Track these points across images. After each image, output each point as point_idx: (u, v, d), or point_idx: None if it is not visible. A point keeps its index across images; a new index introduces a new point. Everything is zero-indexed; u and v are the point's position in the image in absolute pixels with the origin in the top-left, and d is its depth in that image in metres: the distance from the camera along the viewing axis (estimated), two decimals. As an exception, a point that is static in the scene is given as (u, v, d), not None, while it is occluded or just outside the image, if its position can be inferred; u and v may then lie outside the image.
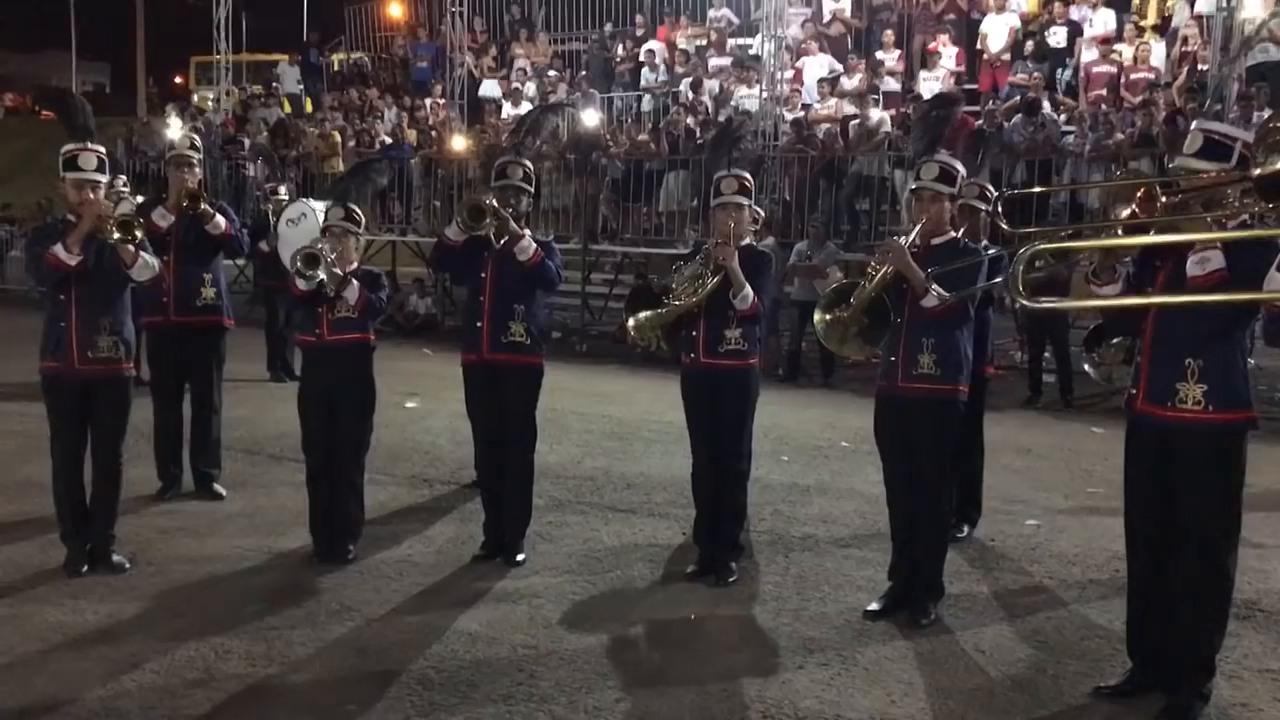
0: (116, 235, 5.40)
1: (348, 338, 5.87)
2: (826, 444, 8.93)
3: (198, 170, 7.08)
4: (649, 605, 5.46)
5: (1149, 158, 11.88)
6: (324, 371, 5.89)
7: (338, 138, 16.94)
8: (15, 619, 5.06)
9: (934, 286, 5.06)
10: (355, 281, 5.82)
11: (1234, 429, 4.21)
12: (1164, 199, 4.14)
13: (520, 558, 5.94)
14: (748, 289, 5.51)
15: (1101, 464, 8.28)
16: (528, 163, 6.10)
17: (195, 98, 24.85)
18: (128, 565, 5.73)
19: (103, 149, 5.70)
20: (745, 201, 5.68)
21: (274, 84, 20.77)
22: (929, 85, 14.44)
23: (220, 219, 6.91)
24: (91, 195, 5.50)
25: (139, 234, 5.45)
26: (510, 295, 5.84)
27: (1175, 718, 4.29)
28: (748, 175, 5.78)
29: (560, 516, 6.83)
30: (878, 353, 5.39)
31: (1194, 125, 4.35)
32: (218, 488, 7.06)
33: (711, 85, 16.07)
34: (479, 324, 5.86)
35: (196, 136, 7.67)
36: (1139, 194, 4.19)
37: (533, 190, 6.16)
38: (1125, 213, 4.26)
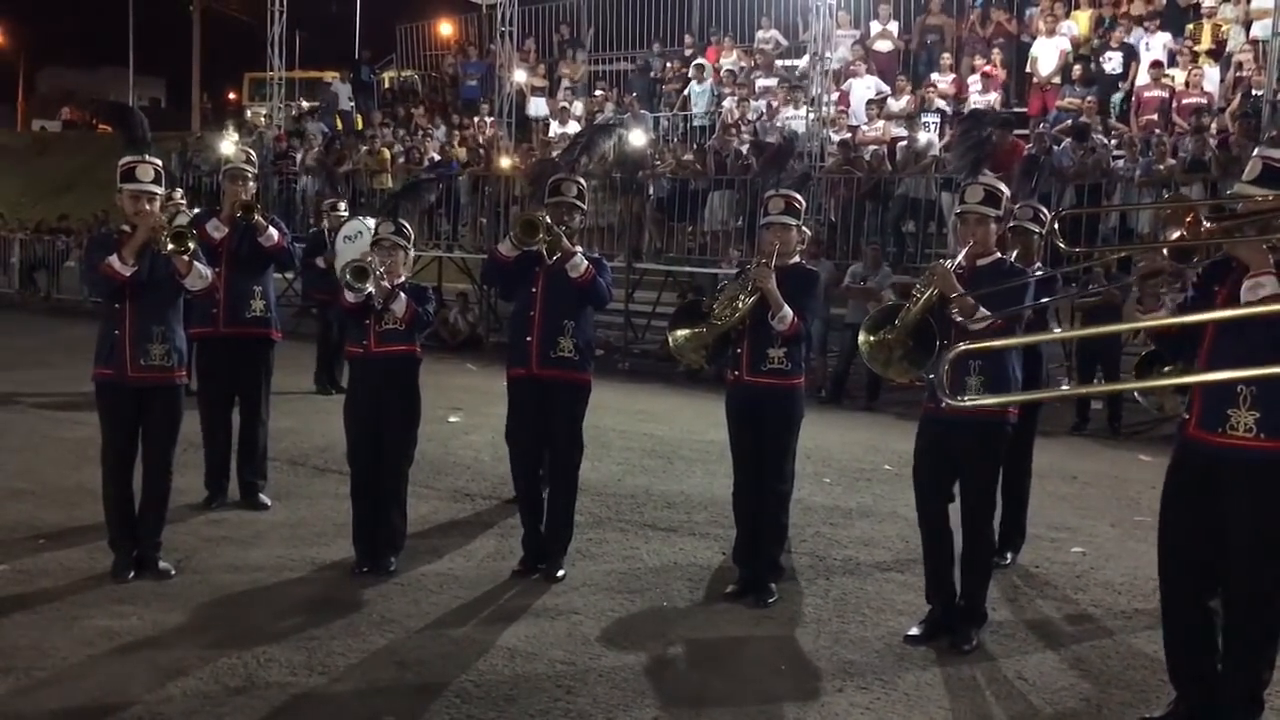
0: (170, 246, 5.48)
1: (395, 349, 5.90)
2: (870, 467, 8.87)
3: (252, 184, 7.20)
4: (688, 625, 5.45)
5: (1200, 183, 11.74)
6: (370, 383, 5.95)
7: (387, 154, 17.12)
8: (62, 623, 5.14)
9: (982, 308, 4.95)
10: (403, 294, 5.87)
11: None
12: (1210, 224, 4.09)
13: (561, 573, 5.95)
14: (786, 310, 5.47)
15: (1149, 492, 8.12)
16: (581, 180, 6.15)
17: (249, 113, 25.25)
18: (173, 572, 5.80)
19: (159, 161, 5.81)
20: (792, 221, 5.65)
21: (327, 101, 21.04)
22: (980, 106, 14.40)
23: (273, 231, 7.00)
24: (147, 207, 5.60)
25: (192, 245, 5.54)
26: (560, 311, 5.85)
27: None
28: (797, 195, 5.77)
29: (600, 534, 6.84)
30: (923, 376, 5.36)
31: (1255, 153, 4.30)
32: (263, 498, 7.13)
33: (758, 106, 16.09)
34: (528, 339, 5.86)
35: (251, 151, 7.80)
36: (1188, 218, 4.14)
37: (585, 208, 6.20)
38: (1175, 235, 4.21)
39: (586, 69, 19.60)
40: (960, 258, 5.17)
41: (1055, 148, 12.83)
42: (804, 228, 5.95)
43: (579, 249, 5.90)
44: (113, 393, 5.68)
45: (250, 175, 7.15)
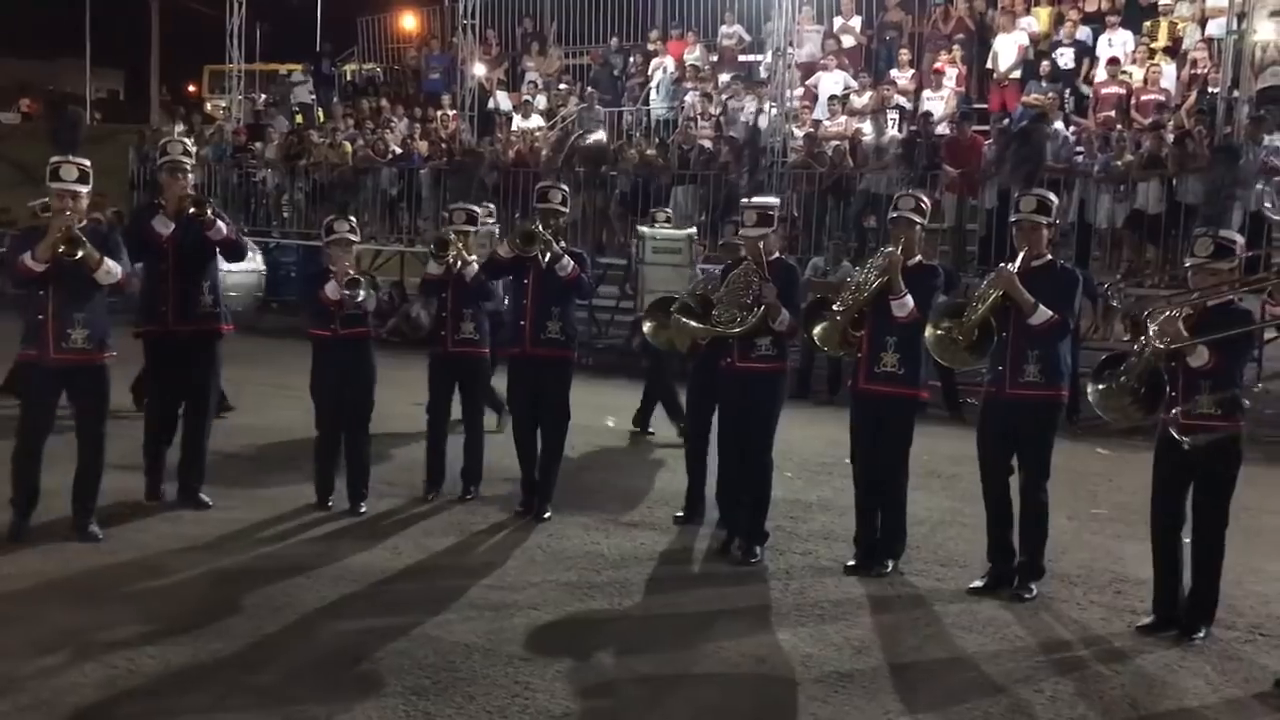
0: (62, 248, 5.82)
1: (358, 332, 6.96)
2: (831, 460, 8.88)
3: (191, 177, 7.08)
4: (647, 618, 5.45)
5: (1158, 179, 11.86)
6: (337, 360, 6.97)
7: (348, 148, 16.96)
8: (13, 623, 5.07)
9: (1041, 306, 5.57)
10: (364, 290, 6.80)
11: None
12: None
13: (547, 515, 6.96)
14: (785, 314, 6.18)
15: (1106, 485, 8.25)
16: (564, 187, 7.36)
17: (208, 106, 24.93)
18: (100, 536, 6.22)
19: (85, 161, 6.11)
20: (768, 230, 6.29)
21: (283, 95, 20.84)
22: (934, 105, 14.47)
23: (221, 224, 6.84)
24: (70, 204, 5.96)
25: (81, 252, 5.86)
26: (549, 300, 6.87)
27: None
28: (769, 202, 6.54)
29: (561, 529, 6.83)
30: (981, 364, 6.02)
31: None
32: (203, 497, 7.00)
33: (721, 100, 16.08)
34: (522, 323, 6.88)
35: (188, 142, 7.65)
36: None
37: (567, 210, 7.23)
38: None
39: (561, 62, 19.50)
40: (1020, 261, 5.71)
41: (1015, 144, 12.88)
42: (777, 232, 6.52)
43: (562, 244, 6.85)
44: (36, 373, 6.13)
45: (189, 168, 7.00)
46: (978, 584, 5.93)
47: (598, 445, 9.15)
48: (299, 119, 19.94)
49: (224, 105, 21.27)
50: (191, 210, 6.72)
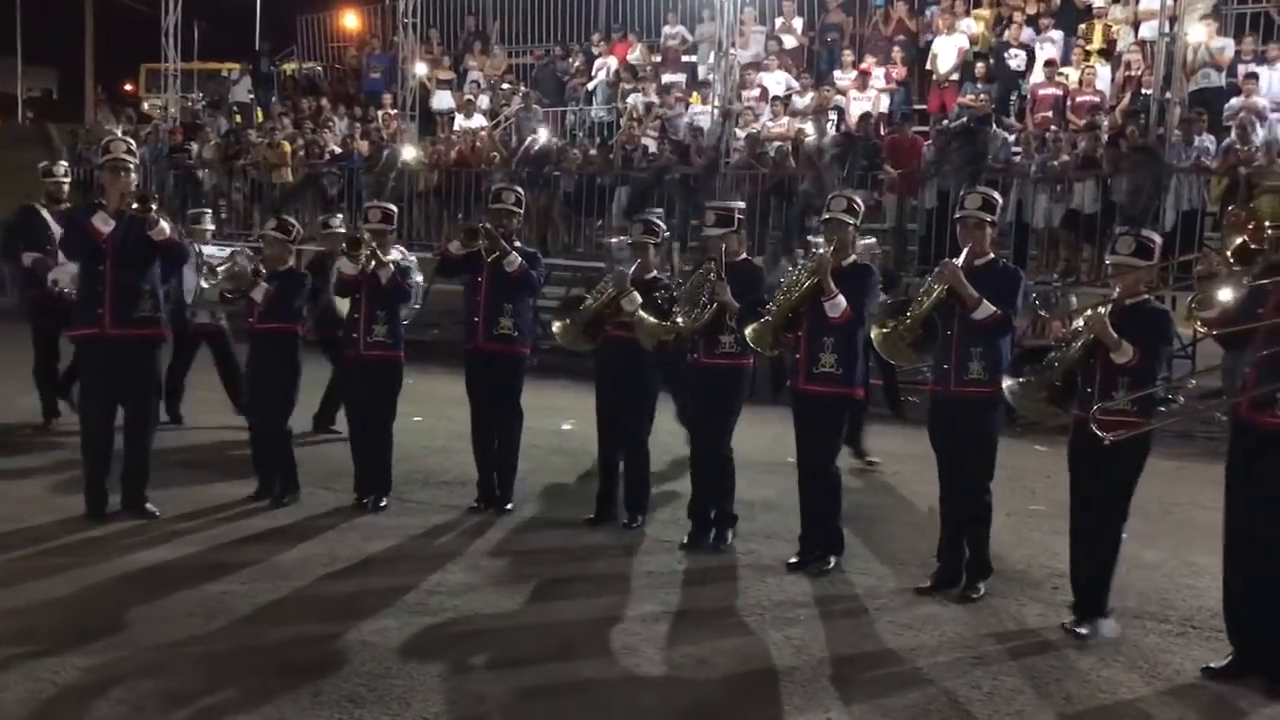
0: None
1: (271, 326, 7.17)
2: (774, 460, 8.89)
3: (134, 175, 6.92)
4: (588, 621, 5.41)
5: (1093, 179, 12.04)
6: (256, 355, 7.31)
7: (287, 147, 16.74)
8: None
9: (985, 301, 5.62)
10: (263, 284, 7.14)
11: None
12: (1272, 229, 4.63)
13: (509, 506, 7.18)
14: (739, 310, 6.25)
15: (1044, 482, 8.34)
16: (519, 189, 7.55)
17: (145, 105, 24.46)
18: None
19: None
20: (727, 230, 6.41)
21: (221, 94, 20.56)
22: (859, 105, 14.58)
23: (165, 224, 6.68)
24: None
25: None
26: (501, 296, 7.07)
27: None
28: (730, 206, 6.67)
29: (504, 533, 6.78)
30: (926, 361, 6.12)
31: None
32: (150, 506, 6.86)
33: (664, 101, 16.09)
34: (476, 319, 7.10)
35: (131, 141, 7.51)
36: (1250, 225, 4.69)
37: (522, 212, 7.41)
38: (1238, 241, 4.75)
39: (507, 61, 19.40)
40: (963, 257, 5.76)
41: (953, 144, 13.03)
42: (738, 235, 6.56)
43: (518, 244, 7.13)
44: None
45: (132, 166, 6.84)
46: (925, 584, 5.97)
47: (540, 445, 9.10)
48: (237, 118, 19.66)
49: (161, 105, 20.89)
50: (135, 206, 6.51)
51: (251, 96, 20.16)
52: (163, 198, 16.72)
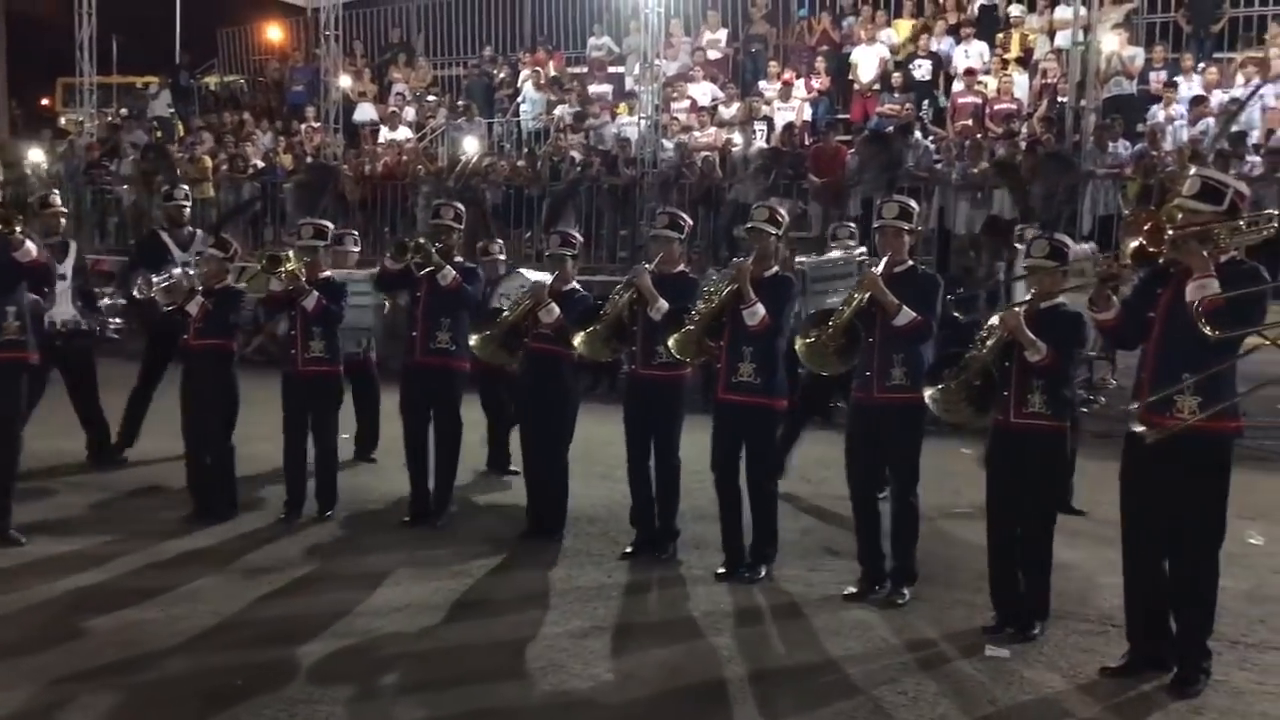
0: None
1: (207, 343, 7.15)
2: (703, 469, 8.88)
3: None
4: (514, 641, 5.35)
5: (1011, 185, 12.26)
6: (191, 371, 7.26)
7: (208, 162, 16.49)
8: None
9: (905, 307, 5.66)
10: (199, 298, 7.09)
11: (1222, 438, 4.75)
12: (1170, 231, 4.63)
13: (441, 523, 7.14)
14: (662, 303, 6.30)
15: (968, 484, 8.43)
16: (459, 205, 7.53)
17: (62, 120, 23.92)
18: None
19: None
20: (675, 235, 6.54)
21: (139, 108, 20.18)
22: (783, 115, 14.72)
23: (30, 246, 6.37)
24: None
25: None
26: (438, 311, 7.07)
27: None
28: (680, 212, 6.84)
29: (430, 551, 6.71)
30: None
31: (1192, 171, 4.98)
32: (14, 534, 6.61)
33: (591, 112, 16.11)
34: (414, 333, 7.14)
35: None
36: (1147, 228, 4.68)
37: (461, 227, 7.37)
38: (1134, 244, 4.74)
39: (432, 73, 19.29)
40: (882, 265, 5.81)
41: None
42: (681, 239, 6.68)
43: (459, 259, 7.19)
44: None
45: None
46: (851, 590, 6.00)
47: (466, 459, 9.03)
48: (157, 133, 19.32)
49: (78, 119, 20.45)
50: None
51: (171, 111, 19.83)
52: (79, 214, 16.55)
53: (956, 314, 7.66)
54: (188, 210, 9.22)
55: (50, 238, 8.63)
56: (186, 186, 9.79)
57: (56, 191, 9.60)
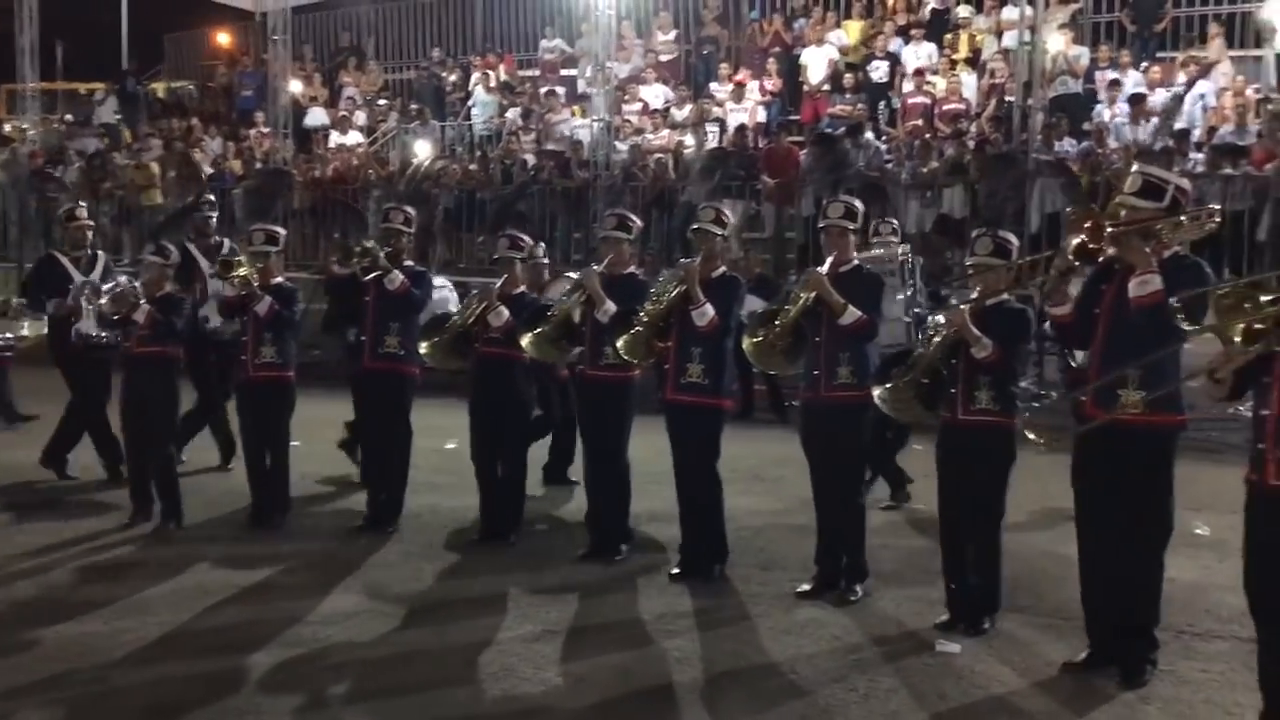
0: None
1: (150, 350, 7.09)
2: (659, 469, 8.84)
3: None
4: (462, 646, 5.31)
5: (960, 184, 12.37)
6: (133, 379, 7.17)
7: (155, 169, 16.26)
8: None
9: (850, 306, 5.69)
10: (145, 305, 7.04)
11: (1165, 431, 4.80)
12: (1110, 229, 4.67)
13: (392, 530, 7.09)
14: (609, 305, 6.31)
15: (920, 480, 8.48)
16: (408, 209, 7.48)
17: (6, 128, 23.50)
18: None
19: None
20: (624, 236, 6.54)
21: (85, 115, 19.88)
22: (736, 117, 14.76)
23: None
24: None
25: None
26: (387, 315, 7.03)
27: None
28: (629, 214, 6.88)
29: (384, 556, 6.65)
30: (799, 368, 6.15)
31: (1134, 168, 5.02)
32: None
33: (542, 115, 16.07)
34: (363, 338, 7.11)
35: None
36: (1088, 225, 4.72)
37: (411, 231, 7.36)
38: (1075, 241, 4.77)
39: (383, 77, 19.15)
40: (827, 265, 5.88)
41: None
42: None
43: (407, 263, 7.12)
44: None
45: None
46: (805, 587, 6.01)
47: (421, 465, 8.95)
48: (104, 140, 19.02)
49: (22, 127, 20.09)
50: None
51: (118, 117, 19.54)
52: (22, 223, 16.26)
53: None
54: (91, 233, 8.99)
55: (77, 250, 8.56)
56: (86, 204, 9.59)
57: (83, 205, 9.45)
